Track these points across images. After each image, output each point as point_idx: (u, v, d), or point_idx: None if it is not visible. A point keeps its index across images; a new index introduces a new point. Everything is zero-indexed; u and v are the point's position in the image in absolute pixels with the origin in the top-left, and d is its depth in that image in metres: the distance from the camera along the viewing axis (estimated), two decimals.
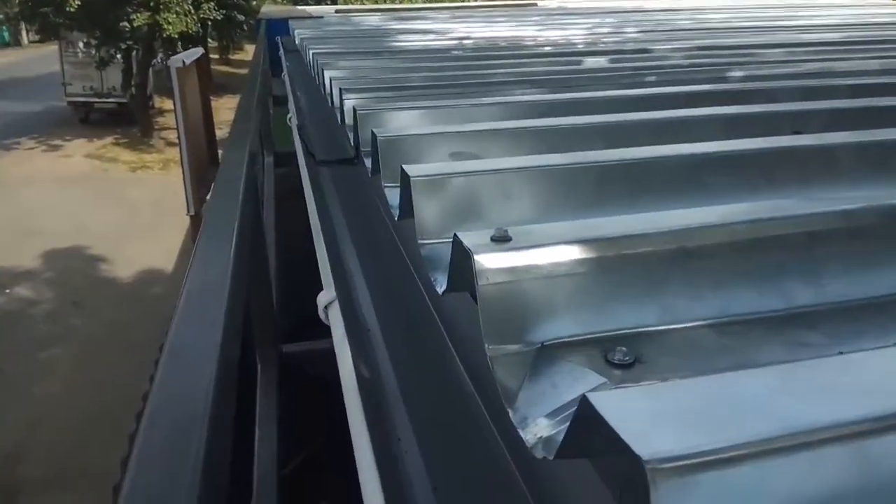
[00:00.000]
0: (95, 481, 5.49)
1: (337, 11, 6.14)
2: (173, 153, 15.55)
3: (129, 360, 6.92)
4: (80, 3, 13.99)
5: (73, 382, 7.25)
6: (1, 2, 17.58)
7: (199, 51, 5.06)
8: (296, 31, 3.91)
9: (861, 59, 2.13)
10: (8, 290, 9.47)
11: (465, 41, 2.97)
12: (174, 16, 14.80)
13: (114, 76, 17.41)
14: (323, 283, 1.16)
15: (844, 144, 0.97)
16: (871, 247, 0.76)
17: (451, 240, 0.78)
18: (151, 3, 14.70)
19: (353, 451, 0.83)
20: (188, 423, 0.40)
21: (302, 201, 1.84)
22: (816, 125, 1.15)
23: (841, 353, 0.61)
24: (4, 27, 36.51)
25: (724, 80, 1.73)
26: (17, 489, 5.87)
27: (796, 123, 1.16)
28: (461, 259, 0.72)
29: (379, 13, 5.80)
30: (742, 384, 0.47)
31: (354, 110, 1.50)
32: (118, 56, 16.61)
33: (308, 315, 1.35)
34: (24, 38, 36.08)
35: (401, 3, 16.25)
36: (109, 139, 17.42)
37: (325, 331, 1.20)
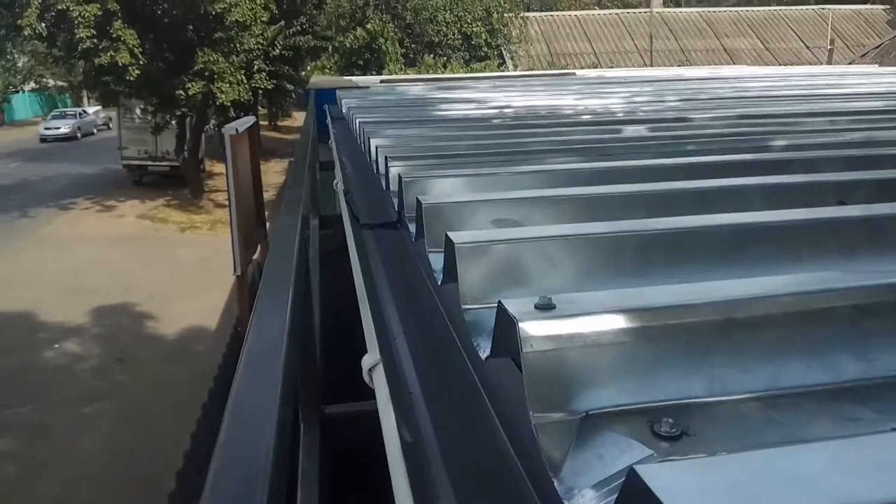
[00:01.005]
0: None
1: (382, 81, 6.37)
2: (221, 214, 16.05)
3: (170, 417, 6.99)
4: (139, 72, 14.79)
5: (115, 438, 7.33)
6: (66, 70, 18.68)
7: (251, 119, 5.30)
8: (343, 100, 4.07)
9: None
10: (57, 346, 9.74)
11: (506, 110, 3.05)
12: (228, 85, 15.52)
13: (167, 141, 18.22)
14: (367, 345, 1.18)
15: (890, 216, 0.97)
16: None
17: (494, 305, 0.79)
18: (206, 73, 15.46)
19: None
20: (252, 483, 0.42)
21: (344, 263, 1.89)
22: (861, 196, 1.15)
23: (894, 429, 0.60)
24: (67, 94, 38.70)
25: (767, 148, 1.74)
26: None
27: (840, 194, 1.16)
28: (505, 325, 0.73)
29: (422, 83, 6.01)
30: (793, 460, 0.46)
31: (399, 177, 1.54)
32: (173, 122, 17.41)
33: (348, 376, 1.36)
34: (86, 104, 38.16)
35: (443, 73, 16.77)
36: (161, 200, 18.10)
37: (366, 392, 1.21)
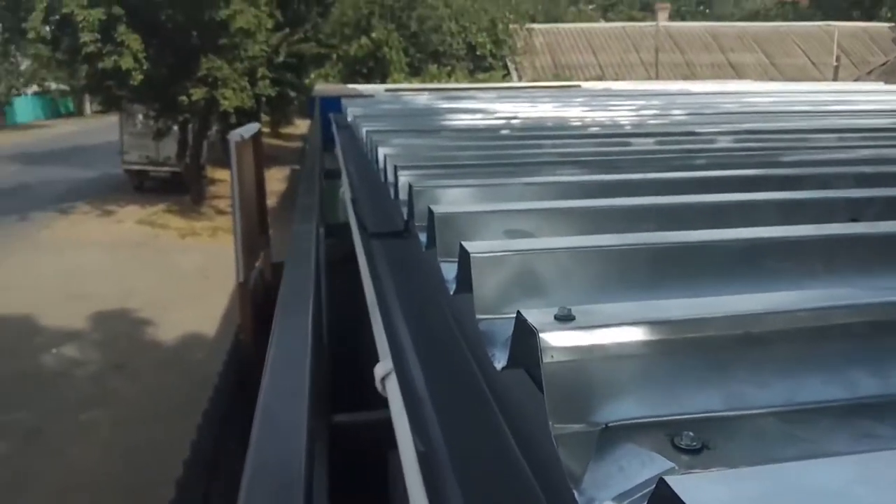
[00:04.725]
0: None
1: (387, 90, 6.39)
2: (222, 221, 16.03)
3: (168, 424, 6.96)
4: (142, 77, 14.82)
5: (111, 446, 7.29)
6: (69, 74, 18.71)
7: (256, 126, 5.31)
8: (348, 109, 4.08)
9: None
10: (55, 350, 9.70)
11: (513, 121, 3.07)
12: (231, 91, 15.53)
13: (169, 146, 18.21)
14: (379, 354, 1.18)
15: None
16: None
17: (509, 316, 0.79)
18: (210, 80, 15.49)
19: None
20: (287, 490, 0.42)
21: (349, 272, 1.89)
22: (873, 213, 1.16)
23: None
24: (69, 98, 38.68)
25: (777, 164, 1.75)
26: None
27: (852, 210, 1.16)
28: (524, 336, 0.74)
29: (427, 92, 6.03)
30: (818, 473, 0.47)
31: (410, 186, 1.55)
32: (175, 127, 17.41)
33: (355, 385, 1.36)
34: (88, 109, 38.11)
35: (447, 83, 16.81)
36: (161, 206, 18.08)
37: (374, 401, 1.21)
